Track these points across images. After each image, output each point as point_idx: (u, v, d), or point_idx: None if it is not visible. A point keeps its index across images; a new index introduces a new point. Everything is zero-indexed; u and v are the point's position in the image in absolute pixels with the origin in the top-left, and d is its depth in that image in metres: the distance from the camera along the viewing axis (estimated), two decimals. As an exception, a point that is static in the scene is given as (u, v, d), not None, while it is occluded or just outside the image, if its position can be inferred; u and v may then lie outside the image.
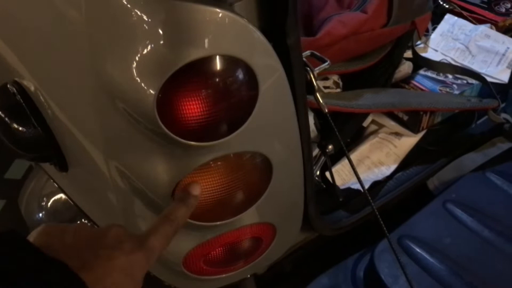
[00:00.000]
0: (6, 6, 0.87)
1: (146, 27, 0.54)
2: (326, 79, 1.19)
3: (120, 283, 0.42)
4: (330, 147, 1.05)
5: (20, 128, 0.91)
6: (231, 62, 0.57)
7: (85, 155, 0.77)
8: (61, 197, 1.31)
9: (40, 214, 1.32)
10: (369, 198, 0.79)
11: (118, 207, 0.77)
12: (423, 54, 1.43)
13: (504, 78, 1.37)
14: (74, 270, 0.39)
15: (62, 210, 1.32)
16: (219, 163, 0.64)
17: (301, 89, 0.68)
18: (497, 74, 1.38)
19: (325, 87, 1.18)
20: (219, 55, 0.56)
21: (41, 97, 0.85)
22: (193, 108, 0.56)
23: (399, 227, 1.02)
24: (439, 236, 0.99)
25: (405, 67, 1.32)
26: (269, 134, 0.67)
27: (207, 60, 0.55)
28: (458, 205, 1.05)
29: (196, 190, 0.60)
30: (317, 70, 0.72)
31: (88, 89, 0.65)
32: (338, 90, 1.19)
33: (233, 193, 0.67)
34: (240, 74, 0.58)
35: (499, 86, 1.36)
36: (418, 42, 1.47)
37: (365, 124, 1.22)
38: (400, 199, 1.13)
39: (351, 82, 1.22)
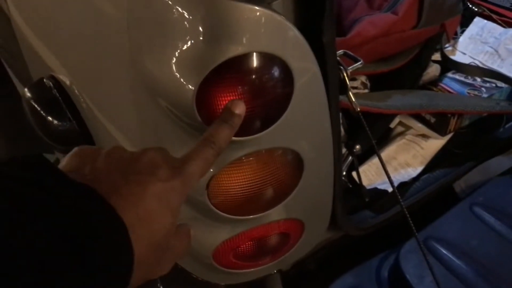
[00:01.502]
0: (42, 2, 0.90)
1: (186, 24, 0.56)
2: (354, 79, 1.20)
3: (154, 210, 0.39)
4: (357, 147, 1.06)
5: (55, 121, 0.94)
6: (268, 59, 0.58)
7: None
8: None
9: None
10: (399, 197, 0.80)
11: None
12: (451, 57, 1.42)
13: (534, 82, 1.35)
14: (106, 197, 0.35)
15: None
16: (251, 158, 0.65)
17: (334, 87, 0.69)
18: (527, 78, 1.36)
19: (353, 88, 1.18)
20: (257, 52, 0.57)
21: (76, 92, 0.88)
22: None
23: (425, 228, 1.02)
24: (466, 238, 0.99)
25: (433, 70, 1.32)
26: (302, 132, 0.68)
27: (245, 57, 0.57)
28: (486, 208, 1.05)
29: (240, 108, 0.52)
30: (350, 69, 0.73)
31: (126, 84, 0.67)
32: (366, 90, 1.19)
33: (264, 189, 0.68)
34: (276, 71, 0.59)
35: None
36: (447, 45, 1.47)
37: (392, 125, 1.22)
38: (426, 201, 1.13)
39: (378, 83, 1.22)
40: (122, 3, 0.61)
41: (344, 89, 0.73)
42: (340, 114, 1.10)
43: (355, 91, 1.17)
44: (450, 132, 1.20)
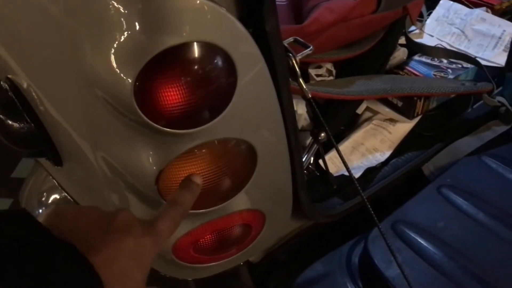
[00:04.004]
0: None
1: (123, 15, 0.54)
2: (319, 67, 1.19)
3: (128, 267, 0.42)
4: (322, 134, 1.05)
5: (14, 124, 0.92)
6: (208, 48, 0.57)
7: (75, 148, 0.78)
8: (60, 192, 1.33)
9: (41, 210, 1.33)
10: (358, 187, 0.79)
11: (109, 197, 0.78)
12: (419, 40, 1.42)
13: (501, 62, 1.36)
14: (84, 253, 0.38)
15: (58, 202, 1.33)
16: (202, 150, 0.64)
17: (283, 74, 0.68)
18: (494, 57, 1.37)
19: (318, 75, 1.18)
20: (195, 41, 0.56)
21: (32, 93, 0.86)
22: (170, 95, 0.56)
23: (393, 212, 1.02)
24: (434, 220, 0.99)
25: (400, 53, 1.32)
26: (252, 121, 0.67)
27: (183, 47, 0.56)
28: (453, 190, 1.05)
29: (198, 179, 0.59)
30: (299, 55, 0.72)
31: (72, 81, 0.65)
32: (331, 78, 1.19)
33: (218, 180, 0.67)
34: (217, 60, 0.58)
35: (496, 70, 1.35)
36: (413, 28, 1.47)
37: (359, 111, 1.22)
38: (395, 185, 1.13)
39: (344, 70, 1.22)
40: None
41: (295, 76, 0.73)
42: (305, 102, 1.10)
43: (320, 78, 1.17)
44: (418, 115, 1.20)
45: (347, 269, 0.99)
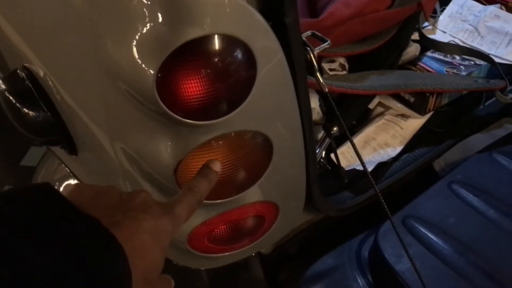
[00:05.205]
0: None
1: (145, 7, 0.55)
2: (332, 61, 1.20)
3: (147, 244, 0.42)
4: (335, 129, 1.06)
5: (30, 113, 0.93)
6: (229, 41, 0.57)
7: (92, 137, 0.79)
8: (73, 181, 1.34)
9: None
10: (372, 180, 0.80)
11: (125, 187, 0.79)
12: (432, 36, 1.42)
13: (513, 59, 1.36)
14: (107, 228, 0.39)
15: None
16: (219, 142, 0.65)
17: (300, 68, 0.69)
18: (507, 55, 1.37)
19: (331, 70, 1.18)
20: (217, 34, 0.57)
21: (49, 82, 0.87)
22: (191, 86, 0.57)
23: (404, 207, 1.03)
24: (444, 216, 0.99)
25: (412, 49, 1.32)
26: (269, 114, 0.68)
27: (205, 39, 0.56)
28: (464, 186, 1.05)
29: (216, 166, 0.59)
30: (317, 50, 0.73)
31: (91, 71, 0.66)
32: (344, 72, 1.19)
33: (234, 172, 0.68)
34: (238, 53, 0.59)
35: (509, 67, 1.35)
36: (426, 24, 1.46)
37: (371, 106, 1.23)
38: (406, 180, 1.14)
39: (357, 65, 1.22)
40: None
41: (312, 70, 0.73)
42: (318, 96, 1.11)
43: (333, 73, 1.17)
44: (429, 111, 1.20)
45: (357, 263, 1.00)
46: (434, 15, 1.49)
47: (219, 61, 0.58)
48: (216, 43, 0.57)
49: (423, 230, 0.97)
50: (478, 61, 1.26)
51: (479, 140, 1.17)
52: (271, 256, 1.04)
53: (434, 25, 1.47)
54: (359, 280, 0.97)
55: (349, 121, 1.16)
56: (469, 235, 0.96)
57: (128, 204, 0.45)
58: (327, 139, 1.08)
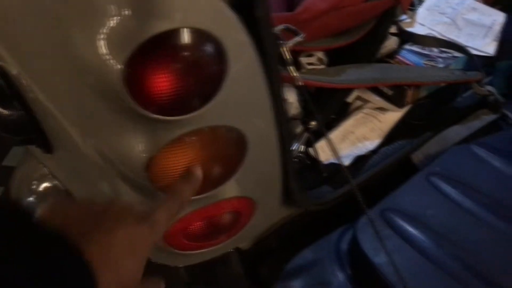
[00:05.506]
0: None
1: (113, 1, 0.54)
2: (311, 55, 1.19)
3: (121, 256, 0.42)
4: (313, 123, 1.06)
5: (4, 111, 0.91)
6: (198, 34, 0.57)
7: (65, 135, 0.78)
8: (51, 181, 1.32)
9: (31, 198, 1.33)
10: (349, 175, 0.80)
11: (101, 185, 0.78)
12: (410, 29, 1.42)
13: (491, 51, 1.37)
14: (75, 243, 0.38)
15: (53, 194, 1.32)
16: (192, 137, 0.64)
17: (273, 62, 0.68)
18: (484, 47, 1.38)
19: (309, 64, 1.18)
20: (186, 27, 0.56)
21: (22, 80, 0.86)
22: (160, 81, 0.56)
23: (382, 200, 1.03)
24: (422, 208, 1.00)
25: (391, 42, 1.32)
26: (242, 109, 0.67)
27: (173, 33, 0.56)
28: (442, 178, 1.06)
29: (198, 172, 0.61)
30: (290, 43, 0.72)
31: (61, 67, 0.65)
32: (322, 66, 1.19)
33: (208, 167, 0.67)
34: (207, 47, 0.58)
35: (486, 59, 1.36)
36: (405, 17, 1.46)
37: (350, 100, 1.23)
38: (385, 173, 1.14)
39: (336, 59, 1.22)
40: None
41: (285, 64, 0.73)
42: (296, 90, 1.10)
43: (311, 67, 1.17)
44: (407, 104, 1.20)
45: (336, 257, 1.00)
46: (413, 8, 1.49)
47: (188, 55, 0.57)
48: (185, 37, 0.56)
49: (401, 222, 0.97)
50: (456, 54, 1.27)
51: (457, 132, 1.18)
52: (251, 251, 1.03)
53: (412, 18, 1.47)
54: (338, 274, 0.98)
55: (327, 115, 1.16)
56: (447, 226, 0.97)
57: (102, 215, 0.44)
58: (306, 134, 1.08)
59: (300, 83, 0.75)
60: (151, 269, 0.85)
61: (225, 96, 0.61)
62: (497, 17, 1.41)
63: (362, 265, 0.94)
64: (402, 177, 1.11)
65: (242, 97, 0.66)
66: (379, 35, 1.25)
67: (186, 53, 0.57)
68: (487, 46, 1.37)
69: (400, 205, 1.01)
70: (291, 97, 1.09)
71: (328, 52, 1.21)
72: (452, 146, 1.15)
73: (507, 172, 1.06)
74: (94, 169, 0.75)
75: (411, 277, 0.87)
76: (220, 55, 0.59)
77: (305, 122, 1.06)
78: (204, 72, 0.59)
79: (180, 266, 0.89)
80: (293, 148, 1.04)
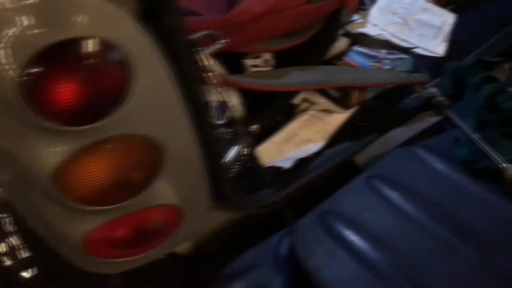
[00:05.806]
0: None
1: (11, 11, 0.53)
2: (258, 57, 1.18)
3: None
4: (254, 126, 1.05)
5: None
6: (99, 43, 0.56)
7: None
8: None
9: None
10: (270, 183, 0.79)
11: (19, 201, 0.76)
12: (362, 30, 1.42)
13: (440, 52, 1.38)
14: None
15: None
16: (101, 146, 0.63)
17: (188, 69, 0.67)
18: (433, 47, 1.39)
19: (254, 66, 1.17)
20: (87, 36, 0.55)
21: None
22: (60, 90, 0.55)
23: (322, 203, 1.03)
24: (360, 211, 1.00)
25: (341, 43, 1.32)
26: (156, 117, 0.66)
27: (74, 42, 0.55)
28: (383, 180, 1.06)
29: None
30: (209, 49, 0.72)
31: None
32: (268, 68, 1.18)
33: (123, 176, 0.67)
34: (109, 56, 0.57)
35: (436, 60, 1.37)
36: (357, 17, 1.46)
37: (296, 101, 1.22)
38: (329, 175, 1.14)
39: (284, 60, 1.21)
40: None
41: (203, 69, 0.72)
42: (238, 93, 1.10)
43: (256, 69, 1.16)
44: (353, 105, 1.20)
45: (274, 260, 1.00)
46: (365, 8, 1.49)
47: (89, 64, 0.57)
48: (85, 46, 0.55)
49: (338, 225, 0.98)
50: (403, 55, 1.27)
51: (400, 133, 1.19)
52: (191, 255, 1.03)
53: (365, 18, 1.47)
54: (276, 278, 0.97)
55: (271, 117, 1.16)
56: (383, 228, 0.97)
57: None
58: (247, 137, 1.07)
59: (219, 89, 0.74)
60: (81, 272, 0.84)
61: (133, 105, 0.60)
62: (447, 18, 1.42)
63: (298, 269, 0.94)
64: (346, 179, 1.11)
65: (155, 105, 0.65)
66: (327, 37, 1.25)
67: (87, 62, 0.56)
68: (437, 47, 1.38)
69: (339, 207, 1.01)
70: (233, 100, 1.08)
71: (276, 54, 1.20)
72: (395, 148, 1.15)
73: (447, 174, 1.06)
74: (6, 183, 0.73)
75: (344, 281, 0.88)
76: (123, 63, 0.58)
77: (246, 125, 1.05)
78: (107, 81, 0.58)
79: (112, 273, 0.88)
80: (233, 151, 1.03)
